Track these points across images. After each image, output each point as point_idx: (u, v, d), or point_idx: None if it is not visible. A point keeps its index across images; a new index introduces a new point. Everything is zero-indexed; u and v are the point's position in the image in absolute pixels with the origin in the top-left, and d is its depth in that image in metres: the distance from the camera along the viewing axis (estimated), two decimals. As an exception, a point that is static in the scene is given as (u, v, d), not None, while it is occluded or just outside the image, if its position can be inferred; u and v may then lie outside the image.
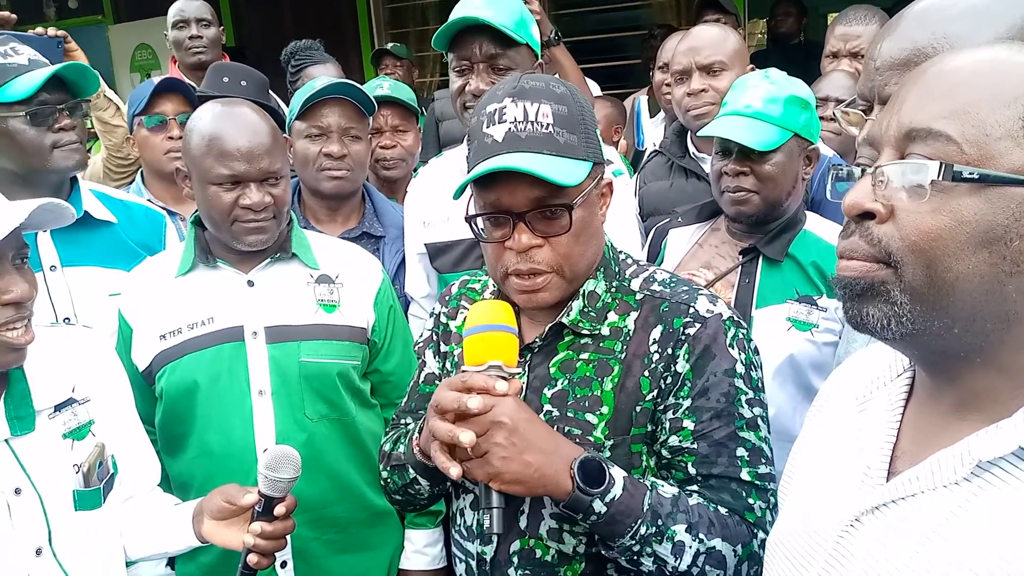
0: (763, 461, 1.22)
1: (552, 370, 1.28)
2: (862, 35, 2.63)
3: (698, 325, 1.21)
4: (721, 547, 1.16)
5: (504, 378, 1.14)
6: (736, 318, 1.25)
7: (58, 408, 1.40)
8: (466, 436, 1.09)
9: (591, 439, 1.23)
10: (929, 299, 0.73)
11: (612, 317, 1.27)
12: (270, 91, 3.13)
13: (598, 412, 1.24)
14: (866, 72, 1.16)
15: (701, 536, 1.15)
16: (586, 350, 1.27)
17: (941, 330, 0.74)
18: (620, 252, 1.35)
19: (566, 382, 1.26)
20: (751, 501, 1.20)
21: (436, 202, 2.10)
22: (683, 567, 1.15)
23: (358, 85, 2.30)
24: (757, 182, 1.87)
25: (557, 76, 1.25)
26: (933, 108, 0.73)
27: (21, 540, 1.32)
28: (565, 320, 1.27)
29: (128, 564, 1.58)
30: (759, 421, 1.23)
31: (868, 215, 0.76)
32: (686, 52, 2.44)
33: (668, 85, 2.79)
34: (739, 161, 1.87)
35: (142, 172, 2.66)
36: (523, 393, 1.27)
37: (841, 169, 0.83)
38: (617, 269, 1.31)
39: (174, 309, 1.79)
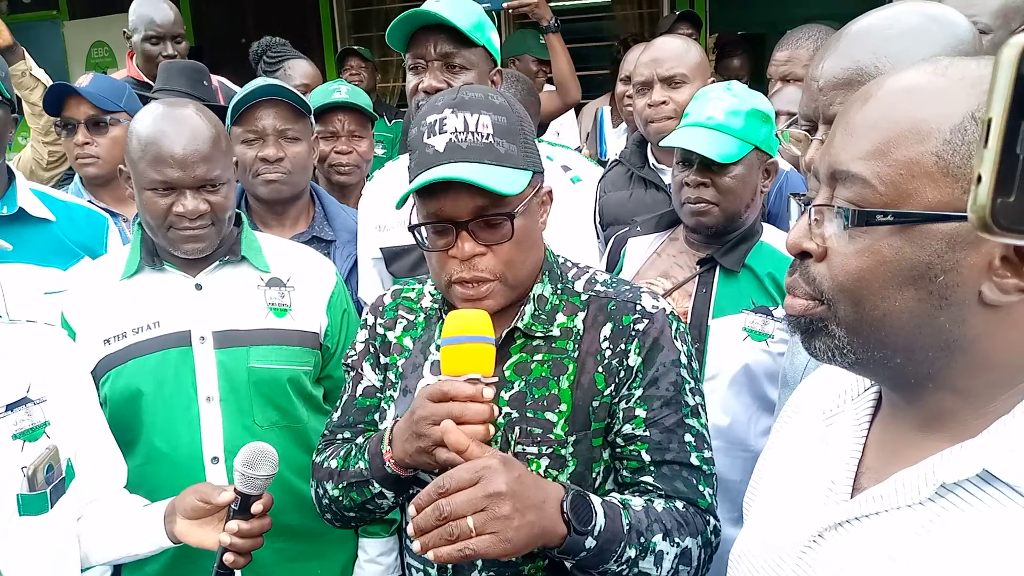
0: (706, 446, 1.29)
1: (507, 373, 1.28)
2: (792, 59, 2.66)
3: (646, 321, 1.27)
4: (691, 545, 1.21)
5: (487, 385, 1.15)
6: (674, 313, 1.32)
7: (10, 407, 1.35)
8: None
9: (552, 436, 1.25)
10: (863, 334, 0.75)
11: (560, 318, 1.30)
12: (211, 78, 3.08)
13: (557, 410, 1.26)
14: (808, 92, 1.17)
15: (676, 540, 1.19)
16: (539, 351, 1.29)
17: (884, 359, 0.75)
18: (559, 256, 1.38)
19: (523, 383, 1.28)
20: (701, 488, 1.26)
21: (391, 206, 2.06)
22: (664, 574, 1.19)
23: (288, 86, 2.26)
24: (717, 194, 1.87)
25: (522, 78, 1.26)
26: (853, 148, 0.74)
27: None
28: (520, 324, 1.29)
29: (83, 570, 1.52)
30: (700, 409, 1.30)
31: (806, 254, 0.78)
32: (648, 63, 2.45)
33: (630, 96, 2.79)
34: (700, 172, 1.88)
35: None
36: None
37: (801, 197, 0.84)
38: (560, 272, 1.34)
39: (118, 313, 1.74)
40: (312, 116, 2.32)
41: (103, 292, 1.76)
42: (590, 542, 1.11)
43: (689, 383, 1.28)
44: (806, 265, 0.78)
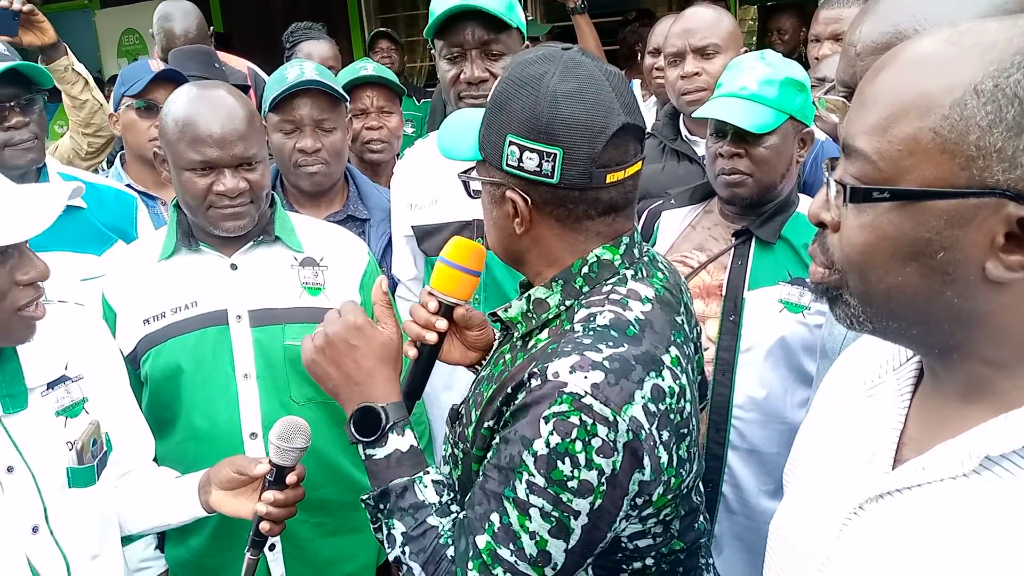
0: (511, 548, 1.06)
1: (494, 355, 1.28)
2: (843, 18, 2.59)
3: (538, 381, 1.05)
4: (417, 573, 1.14)
5: (450, 306, 1.30)
6: (587, 401, 1.02)
7: (51, 386, 1.40)
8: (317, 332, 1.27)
9: (466, 433, 1.21)
10: (874, 304, 0.75)
11: (544, 334, 1.17)
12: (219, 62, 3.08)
13: (477, 412, 1.19)
14: (846, 58, 1.14)
15: (408, 549, 1.15)
16: (513, 351, 1.21)
17: (900, 330, 0.75)
18: (611, 279, 1.16)
19: (488, 371, 1.25)
20: (468, 566, 1.08)
21: (423, 184, 2.07)
22: (392, 557, 1.19)
23: (325, 80, 2.23)
24: (752, 164, 1.85)
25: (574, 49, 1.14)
26: (861, 122, 0.73)
27: (16, 518, 1.32)
28: (501, 314, 1.22)
29: (124, 541, 1.58)
30: (534, 513, 1.04)
31: (824, 224, 0.78)
32: (680, 34, 2.42)
33: (659, 69, 2.76)
34: (734, 143, 1.85)
35: (122, 156, 2.61)
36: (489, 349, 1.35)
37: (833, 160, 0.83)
38: (587, 289, 1.16)
39: (157, 293, 1.77)
40: (347, 101, 2.32)
41: (142, 273, 1.79)
42: (361, 452, 1.21)
43: (531, 475, 1.04)
44: (824, 234, 0.79)
